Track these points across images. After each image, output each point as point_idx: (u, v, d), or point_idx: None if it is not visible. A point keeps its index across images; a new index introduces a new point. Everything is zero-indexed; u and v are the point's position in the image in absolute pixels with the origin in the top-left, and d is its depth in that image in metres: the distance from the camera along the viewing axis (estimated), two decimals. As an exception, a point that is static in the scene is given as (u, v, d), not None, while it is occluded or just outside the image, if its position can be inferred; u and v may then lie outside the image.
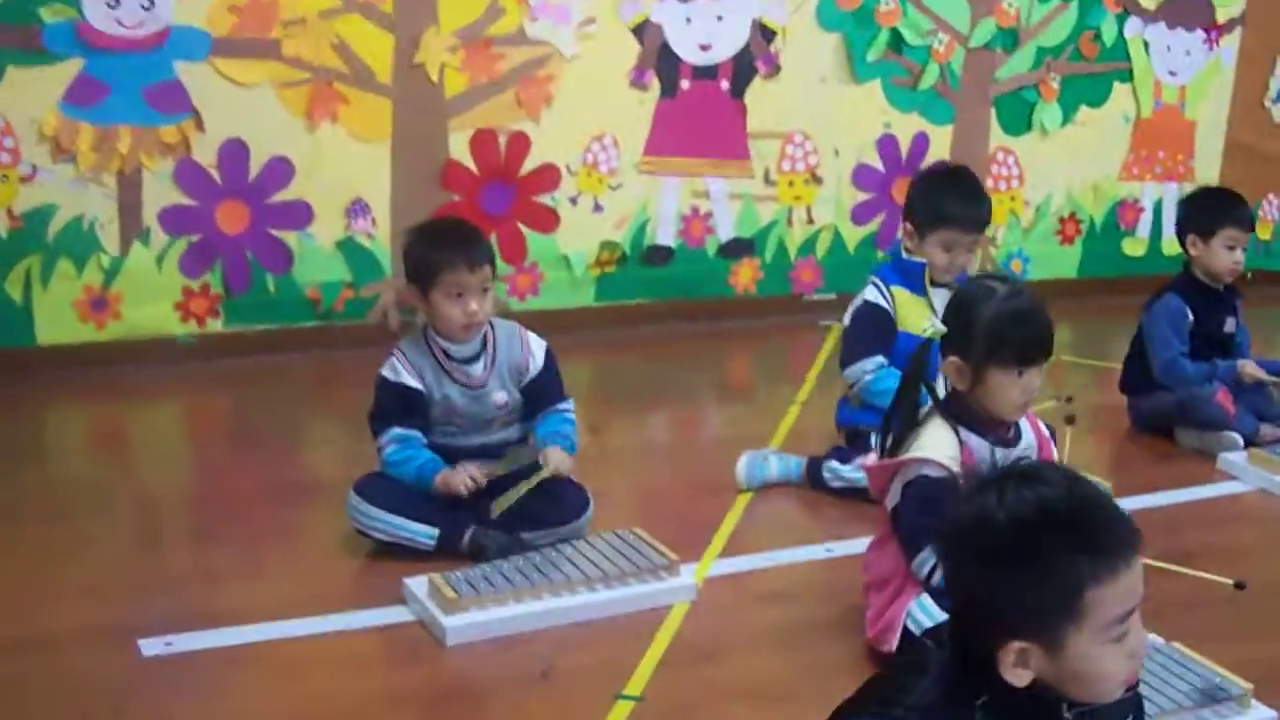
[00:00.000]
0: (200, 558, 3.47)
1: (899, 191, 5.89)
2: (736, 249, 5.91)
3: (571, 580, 3.13)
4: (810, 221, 6.03)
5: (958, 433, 2.87)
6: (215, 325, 5.04)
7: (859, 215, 6.11)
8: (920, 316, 3.96)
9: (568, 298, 5.60)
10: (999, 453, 2.89)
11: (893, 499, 2.94)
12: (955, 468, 2.83)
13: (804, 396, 4.92)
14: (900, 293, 3.99)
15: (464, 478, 3.31)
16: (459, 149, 5.29)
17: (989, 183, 6.26)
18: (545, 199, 5.47)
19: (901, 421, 2.95)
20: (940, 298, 3.94)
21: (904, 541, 2.90)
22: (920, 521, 2.81)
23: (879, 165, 6.07)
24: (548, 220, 5.50)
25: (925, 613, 2.83)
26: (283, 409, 4.77)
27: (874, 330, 3.97)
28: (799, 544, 3.61)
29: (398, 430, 3.40)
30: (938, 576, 2.77)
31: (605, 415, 4.64)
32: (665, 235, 5.75)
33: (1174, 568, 3.24)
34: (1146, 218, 6.75)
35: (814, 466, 3.96)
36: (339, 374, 5.04)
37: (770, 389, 5.29)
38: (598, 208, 5.58)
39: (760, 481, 3.95)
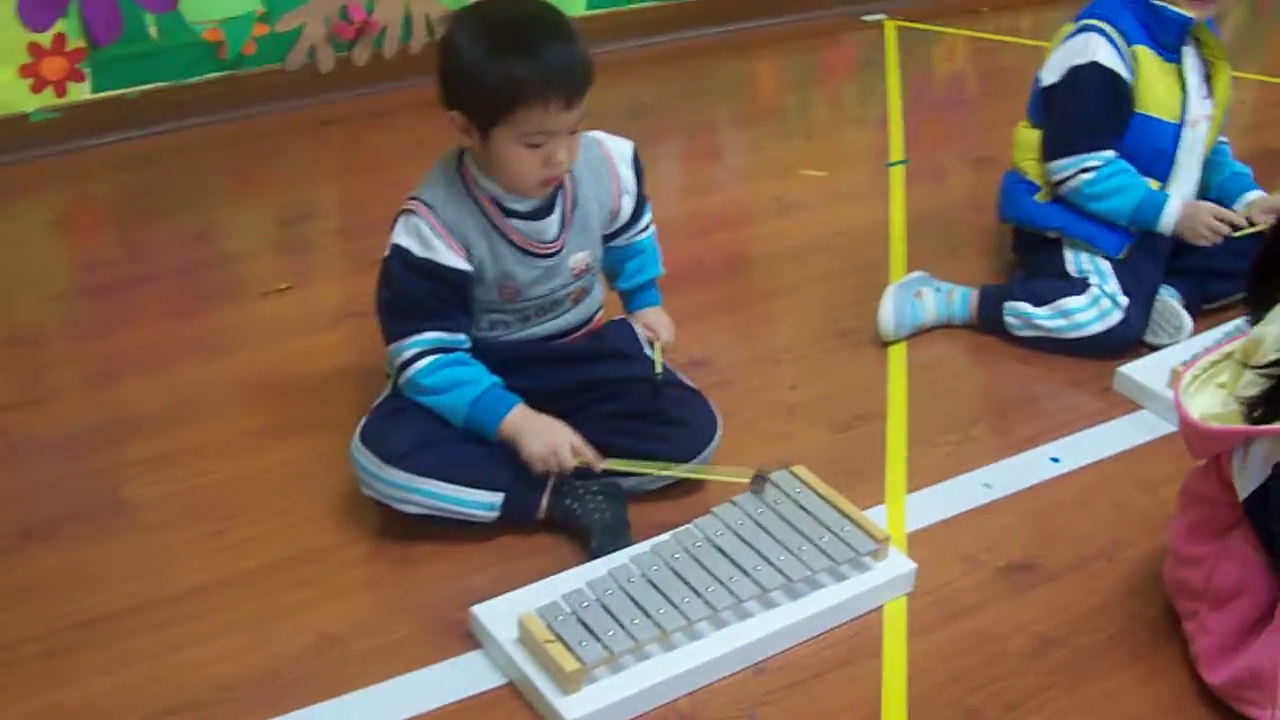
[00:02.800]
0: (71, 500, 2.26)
1: None
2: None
3: (738, 598, 1.96)
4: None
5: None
6: (80, 92, 3.60)
7: None
8: (1170, 93, 2.69)
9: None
10: None
11: (1249, 478, 1.80)
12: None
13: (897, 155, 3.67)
14: (1146, 55, 2.69)
15: (561, 454, 2.12)
16: None
17: None
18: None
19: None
20: (1193, 65, 2.68)
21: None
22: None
23: None
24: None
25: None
26: (185, 200, 3.42)
27: (1105, 108, 2.69)
28: (1018, 448, 2.45)
29: (432, 335, 2.14)
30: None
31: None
32: (677, -84, 4.32)
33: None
34: None
35: (990, 302, 2.77)
36: (262, 141, 3.68)
37: (831, 109, 4.02)
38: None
39: (913, 327, 2.76)
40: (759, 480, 2.11)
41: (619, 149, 2.30)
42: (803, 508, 2.11)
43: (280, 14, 3.75)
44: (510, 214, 2.15)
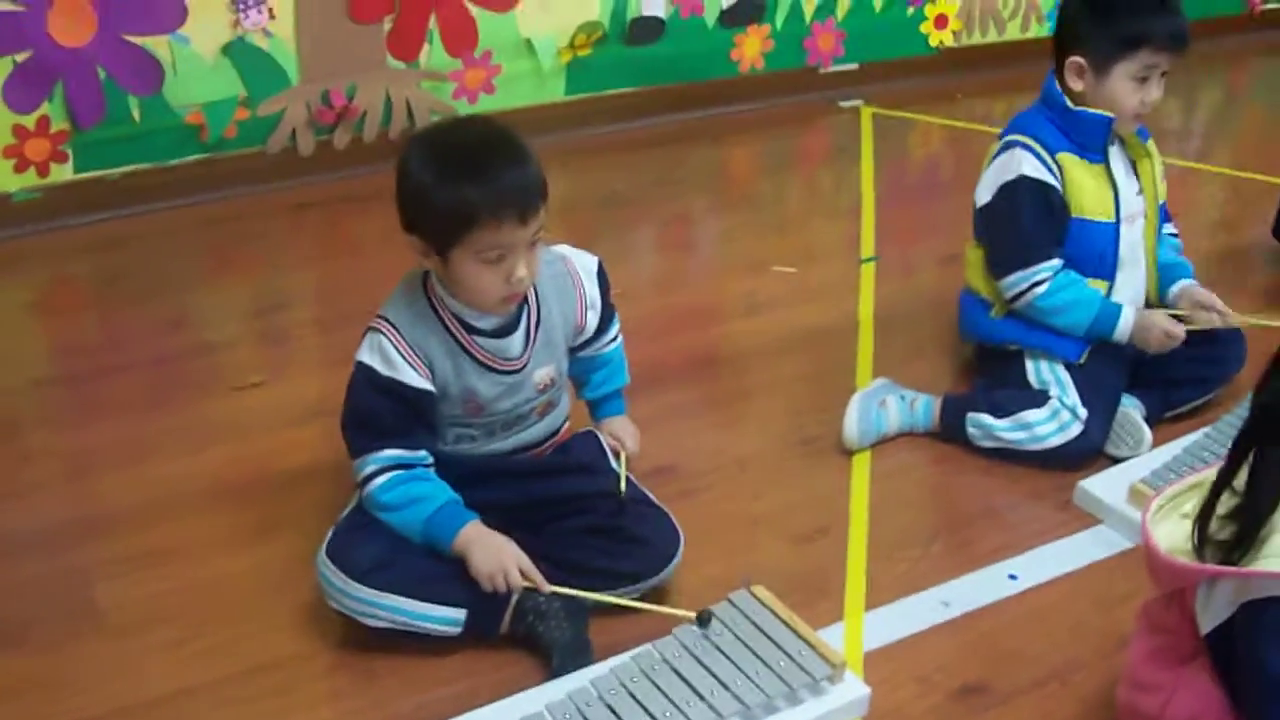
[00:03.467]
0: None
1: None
2: (741, 14, 4.56)
3: (695, 724, 1.99)
4: (831, -26, 4.70)
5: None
6: (63, 173, 3.65)
7: (890, -41, 4.79)
8: (1101, 194, 2.76)
9: (531, 93, 4.27)
10: None
11: (1214, 614, 1.83)
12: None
13: (868, 252, 3.73)
14: (1070, 161, 2.75)
15: (510, 575, 2.15)
16: (380, -96, 3.82)
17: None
18: (498, -37, 4.06)
19: (1258, 493, 1.80)
20: (1119, 163, 2.75)
21: (1261, 695, 1.80)
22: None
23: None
24: (503, -6, 4.09)
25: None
26: (162, 283, 3.47)
27: (1041, 218, 2.75)
28: (977, 563, 2.49)
29: (391, 453, 2.18)
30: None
31: (607, 244, 3.55)
32: (655, 3, 4.37)
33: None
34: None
35: (952, 412, 2.81)
36: (240, 224, 3.74)
37: (804, 198, 4.09)
38: (568, -28, 4.18)
39: (876, 436, 2.81)
40: (703, 619, 2.14)
41: (584, 264, 2.35)
42: (761, 630, 2.14)
43: (261, 98, 3.79)
44: (474, 331, 2.19)
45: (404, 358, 2.15)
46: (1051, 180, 2.72)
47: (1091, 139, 2.74)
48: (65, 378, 3.06)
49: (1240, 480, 1.82)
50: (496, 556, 2.13)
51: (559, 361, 2.32)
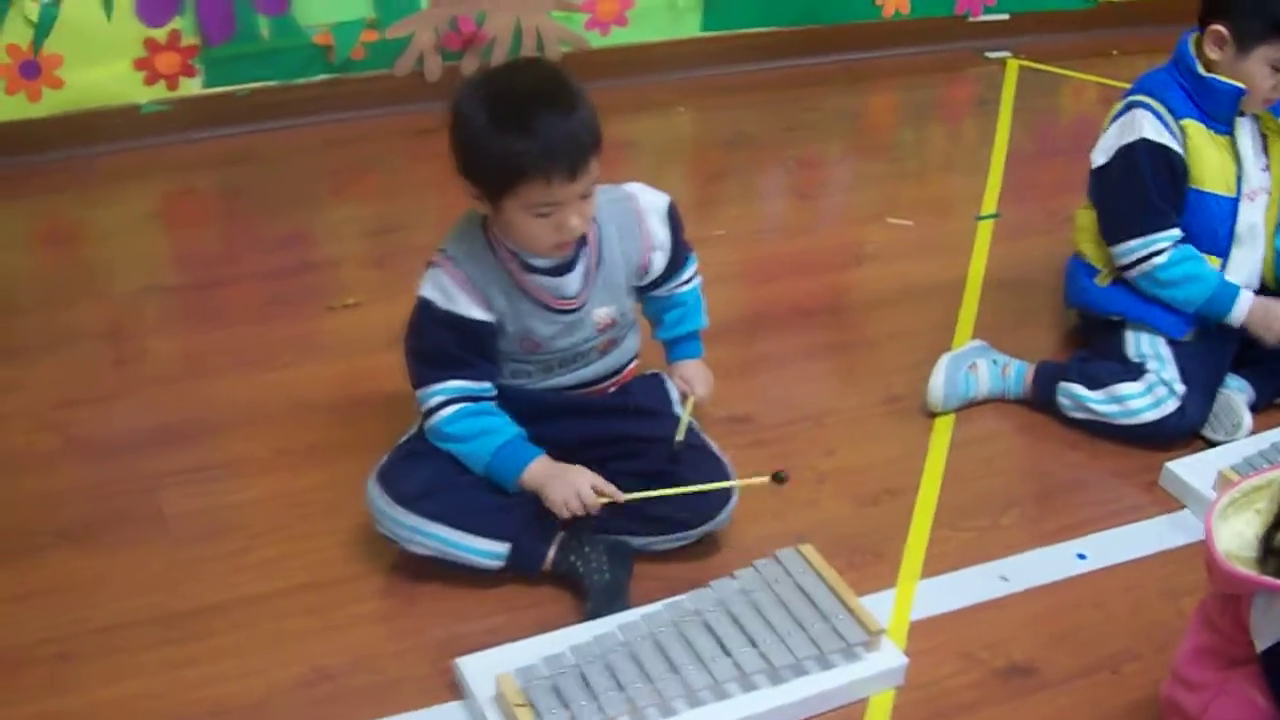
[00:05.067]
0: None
1: None
2: (888, -45, 4.44)
3: (715, 680, 1.96)
4: (989, -85, 4.54)
5: None
6: (191, 87, 3.73)
7: (1051, -93, 4.60)
8: (1224, 167, 2.62)
9: (665, 28, 4.22)
10: None
11: (1274, 630, 1.73)
12: None
13: (990, 207, 3.61)
14: (1195, 128, 2.61)
15: (583, 494, 2.14)
16: None
17: None
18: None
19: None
20: (1247, 137, 2.60)
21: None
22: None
23: None
24: (640, -80, 4.05)
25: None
26: (279, 201, 3.54)
27: (1162, 184, 2.61)
28: (1046, 540, 2.41)
29: (456, 384, 2.18)
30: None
31: (720, 186, 3.45)
32: (797, -59, 4.28)
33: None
34: None
35: (1044, 381, 2.72)
36: (362, 146, 3.78)
37: (936, 151, 3.98)
38: (710, -98, 4.11)
39: (963, 400, 2.72)
40: (779, 478, 2.12)
41: (652, 203, 2.30)
42: (802, 590, 2.10)
43: (390, 21, 3.81)
44: (531, 269, 2.17)
45: (462, 291, 2.15)
46: (1174, 145, 2.59)
47: (1220, 108, 2.59)
48: (175, 287, 3.14)
49: None
50: (570, 479, 2.12)
51: (620, 301, 2.28)
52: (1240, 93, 2.55)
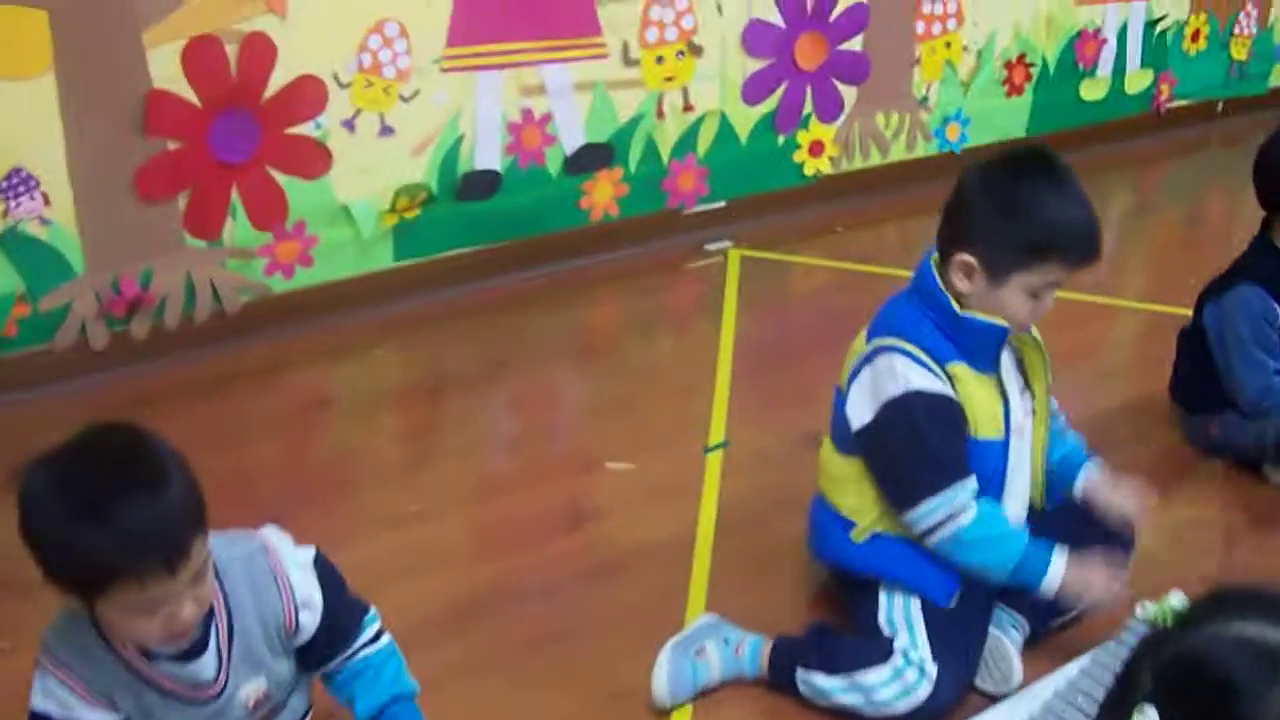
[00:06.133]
0: None
1: (805, 54, 4.30)
2: (589, 160, 4.22)
3: None
4: (688, 108, 4.37)
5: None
6: None
7: (752, 91, 4.49)
8: (993, 409, 2.36)
9: (355, 262, 3.93)
10: None
11: None
12: None
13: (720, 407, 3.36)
14: (963, 373, 2.33)
15: None
16: (165, 71, 3.47)
17: (919, 28, 4.67)
18: (306, 128, 3.71)
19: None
20: (1010, 367, 2.38)
21: None
22: None
23: (777, 19, 4.42)
24: (313, 159, 3.76)
25: None
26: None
27: (945, 436, 2.31)
28: None
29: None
30: None
31: (427, 442, 3.23)
32: (487, 156, 4.05)
33: None
34: (1109, 51, 5.28)
35: (782, 662, 2.42)
36: (24, 435, 3.32)
37: (654, 369, 3.72)
38: (386, 130, 3.85)
39: (695, 689, 2.42)
40: None
41: (294, 557, 1.95)
42: None
43: (44, 291, 3.43)
44: (155, 656, 1.80)
45: (80, 701, 1.78)
46: (949, 392, 2.31)
47: (985, 348, 2.34)
48: None
49: None
50: None
51: (269, 670, 1.93)
52: (1005, 332, 2.32)
